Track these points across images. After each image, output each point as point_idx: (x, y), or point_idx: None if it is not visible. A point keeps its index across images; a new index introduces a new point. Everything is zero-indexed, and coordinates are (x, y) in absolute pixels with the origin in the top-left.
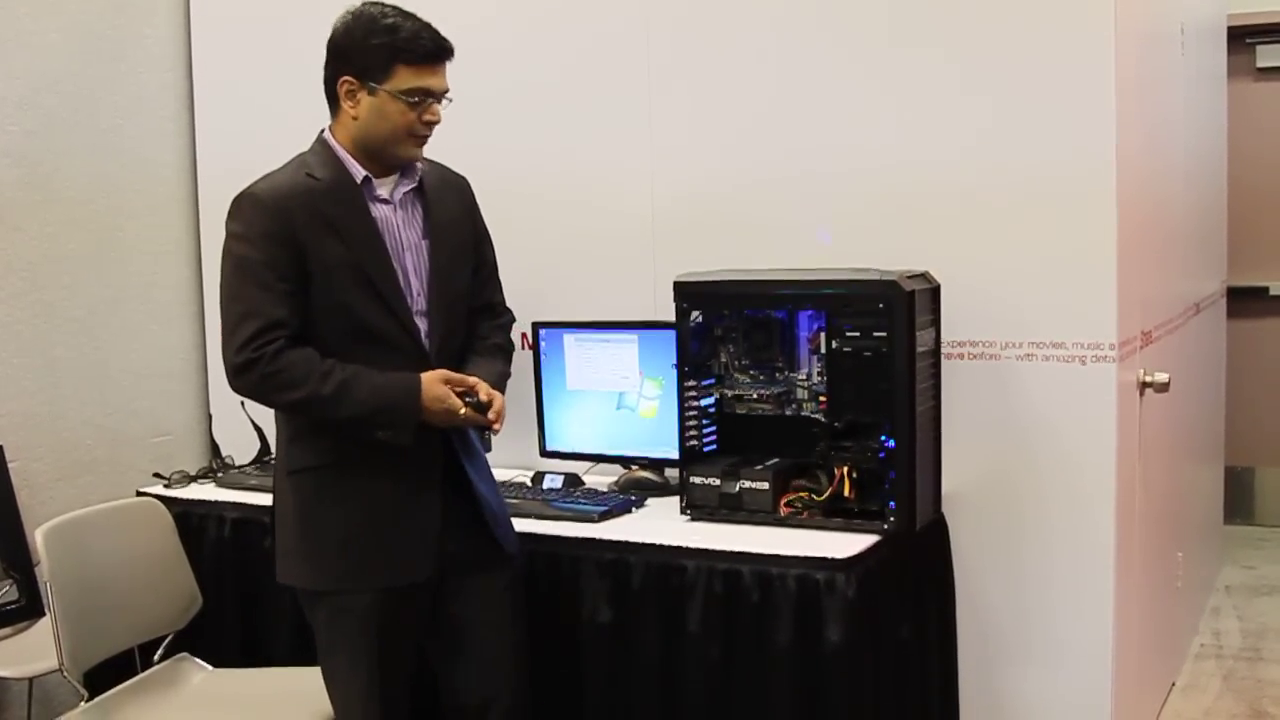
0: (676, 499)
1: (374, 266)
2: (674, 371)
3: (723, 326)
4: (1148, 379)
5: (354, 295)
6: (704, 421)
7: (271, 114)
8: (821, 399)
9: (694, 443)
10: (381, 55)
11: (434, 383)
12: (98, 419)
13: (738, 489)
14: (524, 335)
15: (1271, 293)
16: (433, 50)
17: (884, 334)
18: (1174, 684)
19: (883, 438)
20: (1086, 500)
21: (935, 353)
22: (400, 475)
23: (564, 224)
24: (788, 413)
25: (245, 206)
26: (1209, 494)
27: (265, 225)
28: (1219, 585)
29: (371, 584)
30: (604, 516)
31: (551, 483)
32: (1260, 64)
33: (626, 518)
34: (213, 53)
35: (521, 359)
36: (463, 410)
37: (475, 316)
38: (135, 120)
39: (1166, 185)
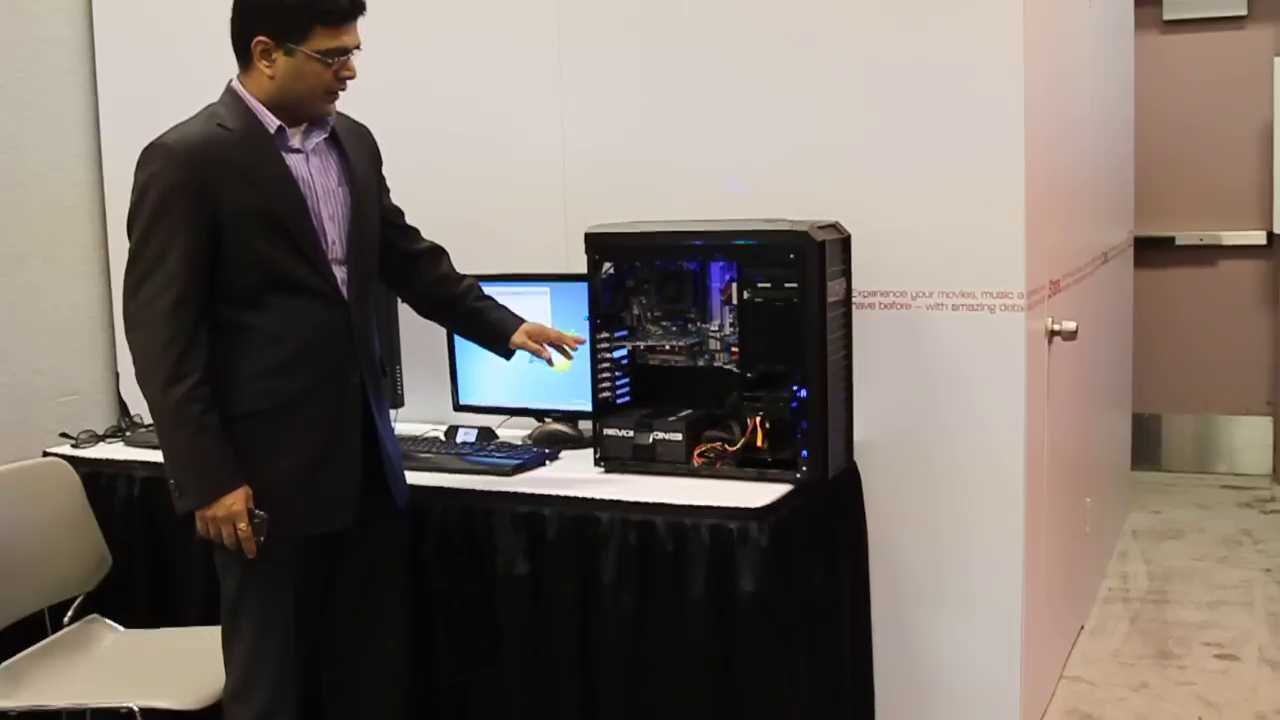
0: (590, 451)
1: (289, 214)
2: (587, 324)
3: (635, 278)
4: (1056, 327)
5: (269, 244)
6: (617, 373)
7: (175, 66)
8: (734, 350)
9: (607, 395)
10: (299, 17)
11: (239, 499)
12: (1, 379)
13: (651, 440)
14: None
15: (1178, 242)
16: (349, 9)
17: (795, 284)
18: (1083, 627)
19: (794, 387)
20: (996, 448)
21: (846, 303)
22: (325, 423)
23: (473, 175)
24: (700, 364)
25: (156, 157)
26: (1117, 441)
27: (177, 175)
28: (1126, 530)
29: (296, 530)
30: (518, 469)
31: (465, 437)
32: (1167, 16)
33: (541, 470)
34: (112, 3)
35: None
36: (243, 533)
37: (420, 264)
38: (35, 74)
39: (1074, 135)
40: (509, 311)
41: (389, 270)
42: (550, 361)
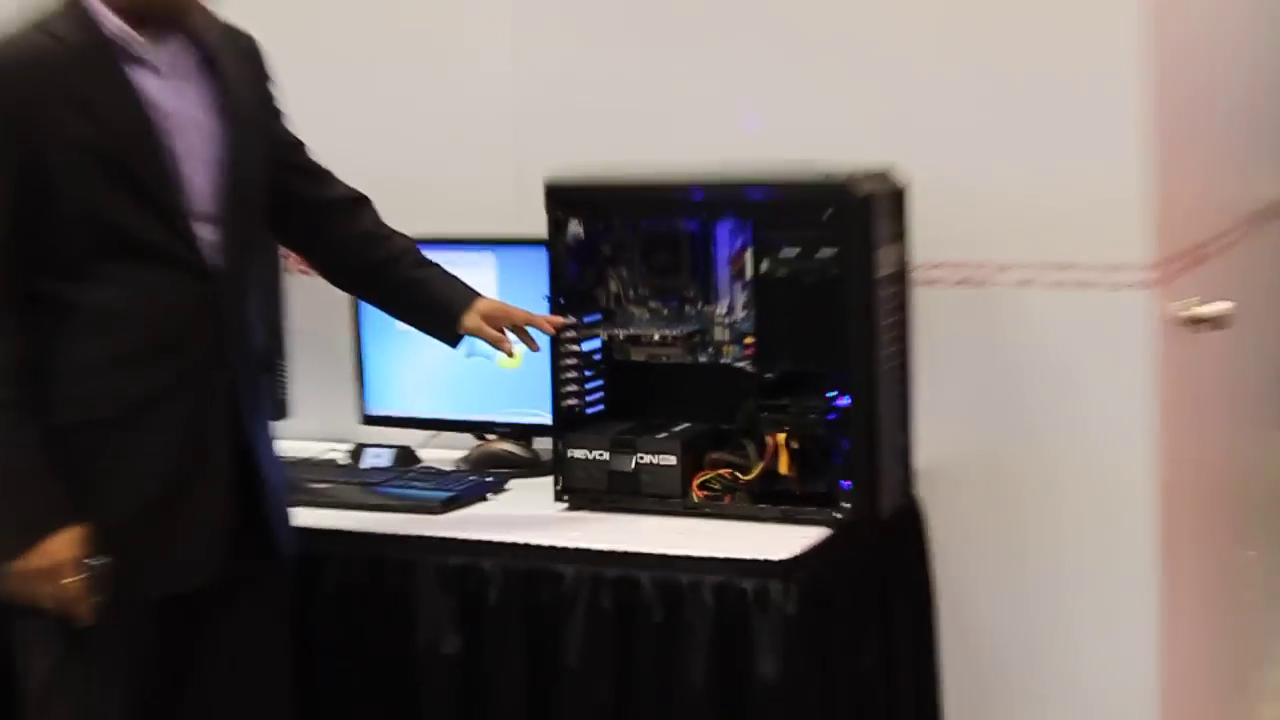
0: (549, 481)
1: (135, 153)
2: (545, 305)
3: (612, 243)
4: (1198, 312)
5: (109, 194)
6: (587, 373)
7: None
8: (747, 342)
9: (573, 402)
10: None
11: (67, 542)
12: None
13: (634, 466)
14: None
15: None
16: None
17: (832, 252)
18: None
19: (832, 394)
20: (1115, 480)
21: (902, 278)
22: (181, 440)
23: (398, 108)
24: (702, 360)
25: None
26: None
27: None
28: None
29: (141, 588)
30: (449, 505)
31: (376, 459)
32: None
33: (480, 507)
34: None
35: (333, 291)
36: (71, 591)
37: (334, 218)
38: None
39: (1221, 51)
40: (459, 283)
41: (289, 227)
42: (510, 353)
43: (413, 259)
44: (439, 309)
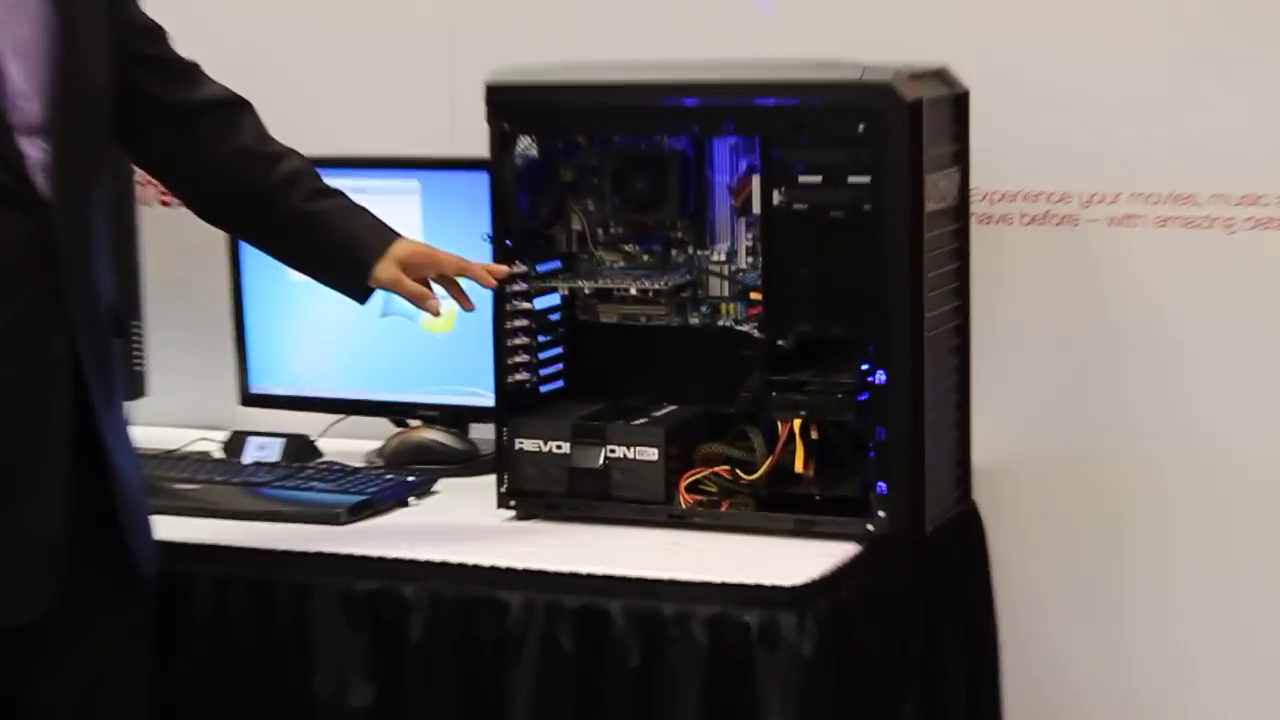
0: (490, 480)
1: None
2: (486, 249)
3: (575, 167)
4: None
5: None
6: (540, 339)
7: None
8: (754, 298)
9: (522, 377)
10: None
11: None
12: None
13: (603, 462)
14: None
15: None
16: None
17: (867, 179)
18: None
19: (865, 367)
20: (1241, 482)
21: (960, 214)
22: (4, 429)
23: None
24: (693, 322)
25: None
26: None
27: None
28: None
29: None
30: (357, 513)
31: (260, 453)
32: None
33: (398, 515)
34: None
35: (205, 230)
36: None
37: (202, 128)
38: None
39: None
40: (371, 219)
41: (145, 142)
42: (436, 312)
43: (309, 186)
44: (343, 254)
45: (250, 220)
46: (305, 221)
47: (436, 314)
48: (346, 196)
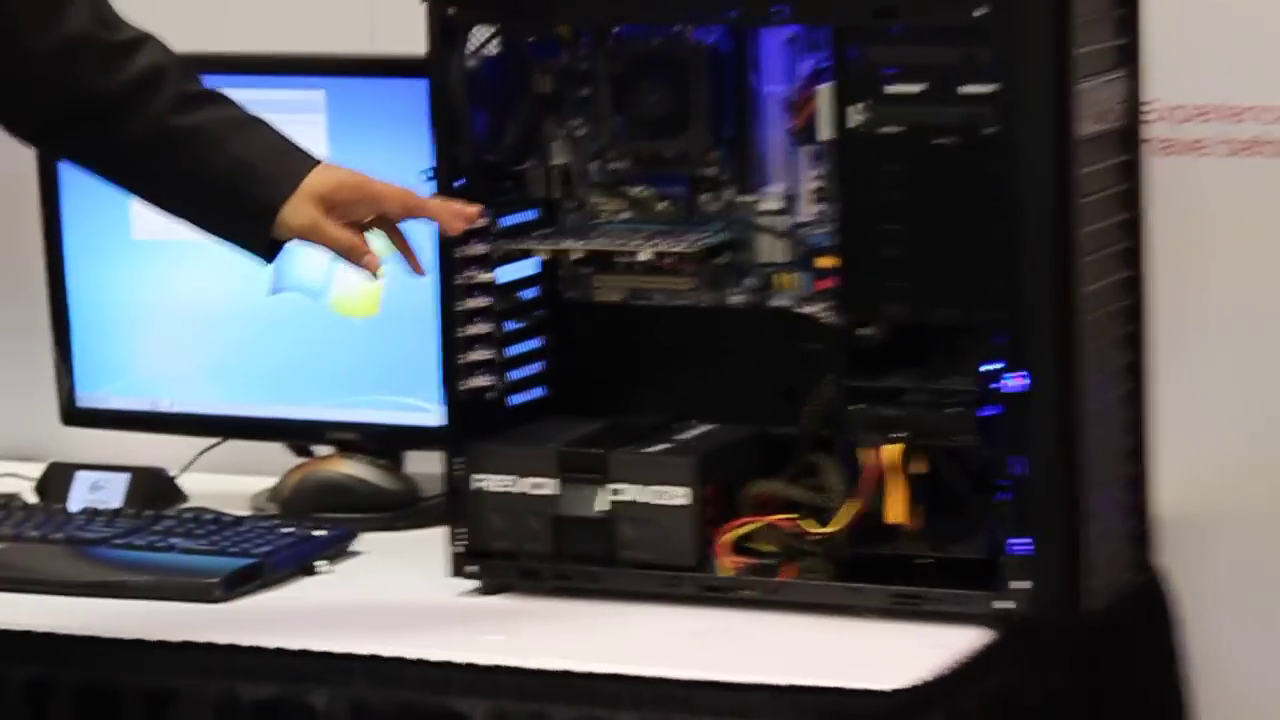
0: (438, 534)
1: None
2: (429, 185)
3: (556, 71)
4: None
5: None
6: (510, 326)
7: None
8: (823, 265)
9: (484, 382)
10: None
11: None
12: None
13: (605, 508)
14: None
15: None
16: None
17: (989, 89)
18: None
19: (991, 367)
20: None
21: (1129, 139)
22: None
23: None
24: (734, 301)
25: None
26: None
27: None
28: None
29: None
30: (239, 585)
31: (95, 494)
32: None
33: (301, 587)
34: None
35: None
36: None
37: (28, 5)
38: None
39: None
40: (272, 135)
41: None
42: (374, 269)
43: (178, 90)
44: (234, 189)
45: (89, 142)
46: (174, 141)
47: (374, 272)
48: (234, 103)
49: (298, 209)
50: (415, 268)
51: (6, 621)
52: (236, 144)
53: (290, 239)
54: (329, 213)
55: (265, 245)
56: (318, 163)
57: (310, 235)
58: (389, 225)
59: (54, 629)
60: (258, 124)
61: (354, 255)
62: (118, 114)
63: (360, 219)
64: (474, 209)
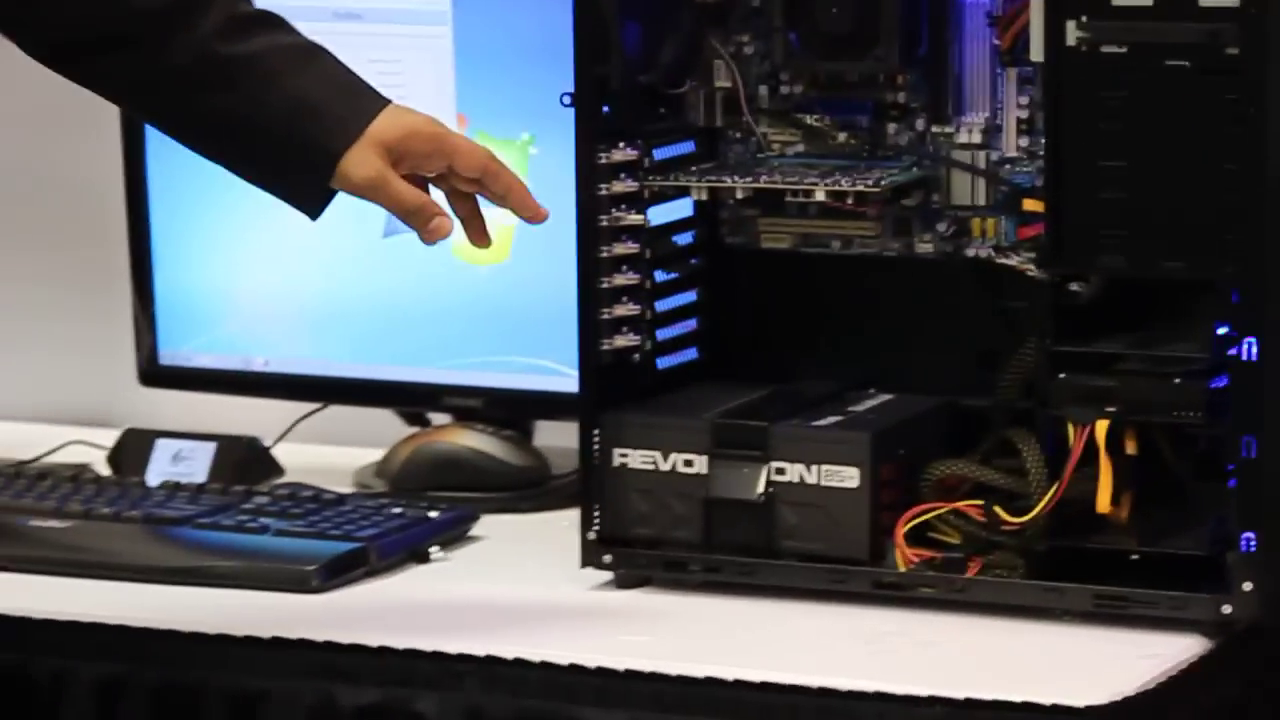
0: (570, 518)
1: None
2: (567, 115)
3: None
4: None
5: None
6: (660, 276)
7: None
8: (1030, 209)
9: (628, 341)
10: None
11: None
12: None
13: (764, 489)
14: None
15: None
16: None
17: (1234, 2)
18: None
19: (1223, 331)
20: None
21: None
22: None
23: None
24: (923, 250)
25: None
26: None
27: None
28: None
29: None
30: (341, 573)
31: (177, 466)
32: None
33: (412, 577)
34: None
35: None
36: None
37: None
38: None
39: None
40: (336, 67)
41: None
42: (443, 235)
43: (229, 11)
44: (289, 132)
45: (118, 68)
46: (222, 72)
47: (443, 236)
48: (291, 29)
49: (363, 158)
50: (479, 241)
51: (75, 612)
52: (295, 77)
53: (348, 191)
54: (396, 165)
55: (316, 198)
56: (388, 103)
57: (373, 191)
58: (455, 187)
59: (128, 620)
60: (319, 54)
61: (422, 218)
62: (155, 36)
63: (428, 173)
64: (546, 211)
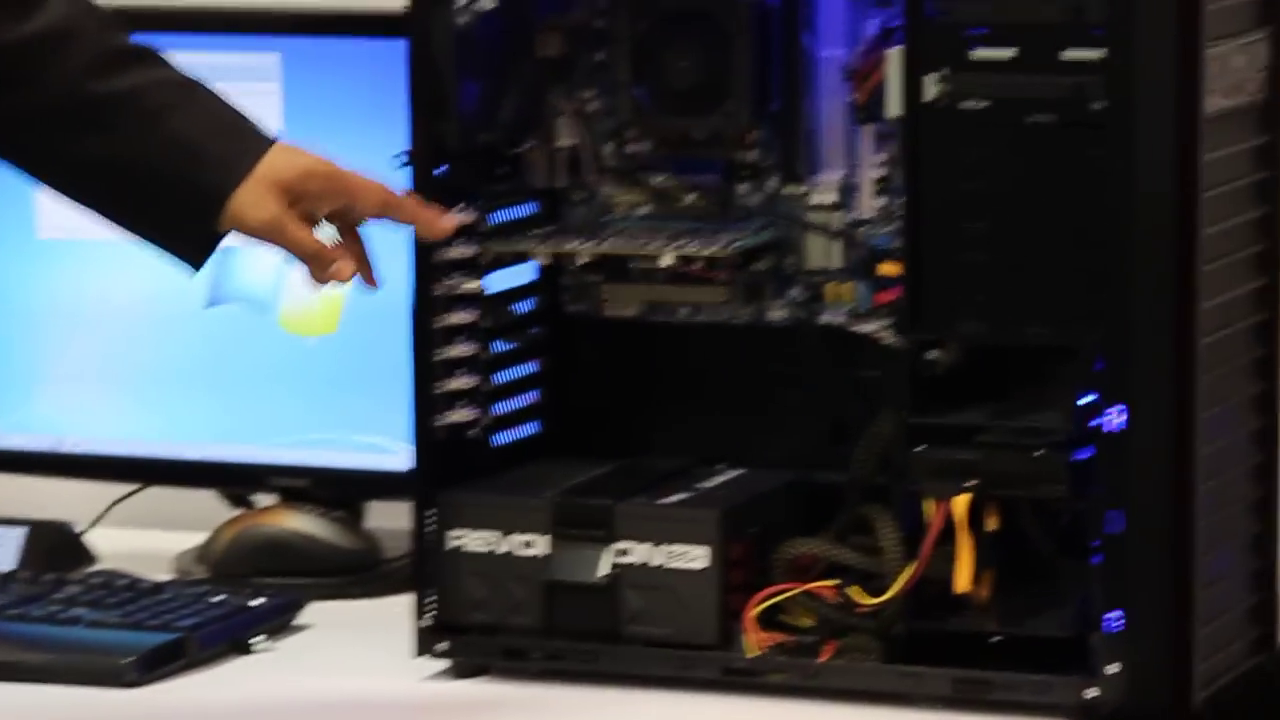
0: (403, 604)
1: None
2: (403, 171)
3: (564, 29)
4: None
5: None
6: (499, 347)
7: None
8: (885, 273)
9: (463, 416)
10: None
11: None
12: None
13: (608, 571)
14: None
15: None
16: None
17: (1096, 54)
18: None
19: (1087, 399)
20: None
21: (1269, 116)
22: None
23: None
24: (775, 317)
25: None
26: None
27: None
28: None
29: None
30: (158, 667)
31: None
32: None
33: (235, 669)
34: None
35: None
36: None
37: None
38: None
39: None
40: (221, 105)
41: None
42: (339, 278)
43: (103, 47)
44: (173, 171)
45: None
46: (93, 112)
47: (345, 280)
48: (168, 63)
49: (257, 200)
50: (368, 280)
51: None
52: (176, 115)
53: (236, 236)
54: (291, 205)
55: (200, 246)
56: (274, 142)
57: (270, 233)
58: (349, 225)
59: None
60: (199, 89)
61: (323, 261)
62: (19, 75)
63: (322, 213)
64: (455, 218)
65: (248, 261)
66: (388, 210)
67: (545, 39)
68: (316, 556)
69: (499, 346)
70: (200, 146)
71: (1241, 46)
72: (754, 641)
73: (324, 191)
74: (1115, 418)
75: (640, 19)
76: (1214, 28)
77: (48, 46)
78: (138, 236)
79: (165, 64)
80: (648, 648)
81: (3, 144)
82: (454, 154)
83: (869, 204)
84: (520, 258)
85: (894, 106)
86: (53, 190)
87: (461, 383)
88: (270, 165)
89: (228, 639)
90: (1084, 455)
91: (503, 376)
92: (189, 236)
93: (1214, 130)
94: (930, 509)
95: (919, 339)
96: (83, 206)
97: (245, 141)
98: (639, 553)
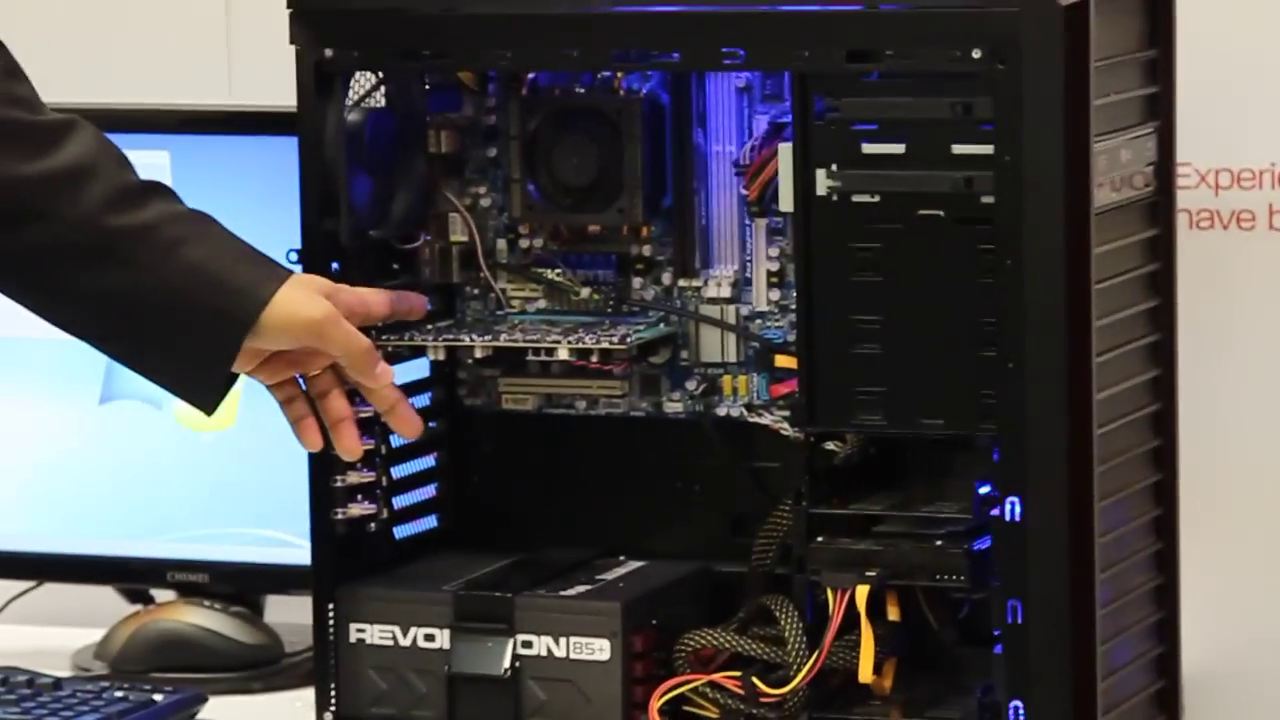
0: (305, 698)
1: None
2: (295, 268)
3: (457, 126)
4: None
5: None
6: (397, 441)
7: None
8: (784, 366)
9: (363, 510)
10: None
11: None
12: None
13: (510, 664)
14: None
15: None
16: None
17: (986, 150)
18: None
19: (984, 490)
20: None
21: (1159, 211)
22: None
23: None
24: (672, 411)
25: None
26: None
27: None
28: None
29: None
30: None
31: None
32: None
33: None
34: None
35: None
36: None
37: None
38: None
39: None
40: (233, 239)
41: None
42: (350, 450)
43: (114, 183)
44: (197, 299)
45: None
46: (114, 247)
47: (388, 382)
48: (178, 197)
49: (309, 298)
50: (405, 432)
51: None
52: (193, 246)
53: (279, 338)
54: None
55: (218, 381)
56: (290, 273)
57: (318, 330)
58: (332, 387)
59: None
60: (213, 224)
61: (372, 359)
62: (40, 209)
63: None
64: (420, 425)
65: None
66: (363, 383)
67: (436, 135)
68: (217, 651)
69: (397, 440)
70: (222, 274)
71: (1128, 141)
72: None
73: (361, 312)
74: (1011, 508)
75: (531, 116)
76: (1101, 123)
77: (70, 182)
78: (150, 372)
79: (178, 199)
80: None
81: (23, 280)
82: (346, 251)
83: (763, 297)
84: (416, 352)
85: (785, 201)
86: (70, 326)
87: (359, 477)
88: (301, 279)
89: None
90: (982, 545)
91: (401, 470)
92: (207, 367)
93: (1104, 224)
94: (831, 599)
95: (816, 431)
96: (101, 342)
97: (265, 268)
98: (540, 645)
